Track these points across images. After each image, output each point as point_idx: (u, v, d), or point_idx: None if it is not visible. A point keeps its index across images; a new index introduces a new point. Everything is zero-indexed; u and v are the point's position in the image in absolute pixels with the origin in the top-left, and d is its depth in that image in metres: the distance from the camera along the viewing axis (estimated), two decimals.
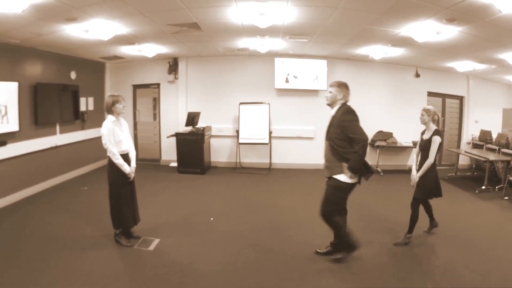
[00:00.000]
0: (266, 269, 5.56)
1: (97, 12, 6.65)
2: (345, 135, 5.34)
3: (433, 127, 6.36)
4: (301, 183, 10.76)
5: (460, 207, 8.85)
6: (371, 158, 12.71)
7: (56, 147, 10.55)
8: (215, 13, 7.07)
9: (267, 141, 12.49)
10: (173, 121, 13.25)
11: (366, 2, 6.20)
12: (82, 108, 11.81)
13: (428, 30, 7.30)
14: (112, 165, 6.10)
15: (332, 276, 5.38)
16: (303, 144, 12.88)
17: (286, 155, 13.07)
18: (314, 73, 12.46)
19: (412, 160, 11.30)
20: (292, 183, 11.04)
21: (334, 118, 5.55)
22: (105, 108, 6.24)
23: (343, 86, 5.55)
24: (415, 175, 6.39)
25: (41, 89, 9.63)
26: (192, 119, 11.98)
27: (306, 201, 8.84)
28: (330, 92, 5.58)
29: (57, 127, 10.65)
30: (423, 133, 6.62)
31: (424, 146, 6.38)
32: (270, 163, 13.05)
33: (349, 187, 5.51)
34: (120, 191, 6.21)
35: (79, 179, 11.36)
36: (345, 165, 5.35)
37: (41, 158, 9.87)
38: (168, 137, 12.55)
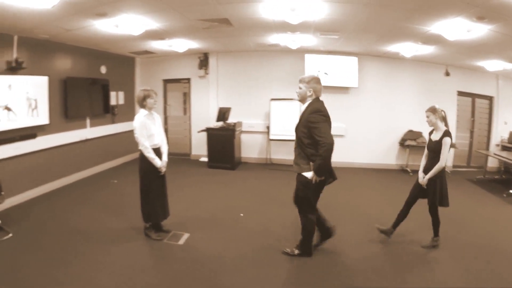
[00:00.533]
0: (295, 266, 5.54)
1: (127, 7, 6.57)
2: (311, 135, 5.19)
3: (443, 127, 5.97)
4: None
5: (487, 211, 8.49)
6: (401, 157, 12.55)
7: (86, 140, 10.57)
8: (246, 8, 6.91)
9: None
10: (203, 116, 13.24)
11: None
12: (113, 102, 11.85)
13: (458, 28, 7.06)
14: (143, 158, 6.10)
15: (360, 275, 5.34)
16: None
17: None
18: (344, 70, 12.19)
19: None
20: None
21: (302, 115, 5.41)
22: (136, 102, 6.18)
23: (312, 82, 5.43)
24: (422, 178, 6.08)
25: (71, 83, 9.69)
26: (223, 114, 11.87)
27: (335, 199, 8.51)
28: (300, 88, 5.50)
29: (87, 121, 10.68)
30: (431, 133, 6.23)
31: (434, 148, 5.98)
32: None
33: (316, 184, 5.37)
34: (151, 185, 6.21)
35: (108, 172, 11.40)
36: (312, 164, 5.24)
37: (71, 151, 9.93)
38: (199, 132, 12.44)
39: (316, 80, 5.48)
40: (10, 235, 6.41)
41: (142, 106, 6.16)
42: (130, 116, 12.48)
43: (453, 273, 5.43)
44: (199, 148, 13.48)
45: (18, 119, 8.06)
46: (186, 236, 6.50)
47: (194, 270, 5.34)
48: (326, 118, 5.25)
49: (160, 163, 6.15)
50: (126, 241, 6.28)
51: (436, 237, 6.31)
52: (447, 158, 5.87)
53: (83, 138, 10.44)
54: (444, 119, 6.02)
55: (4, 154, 7.87)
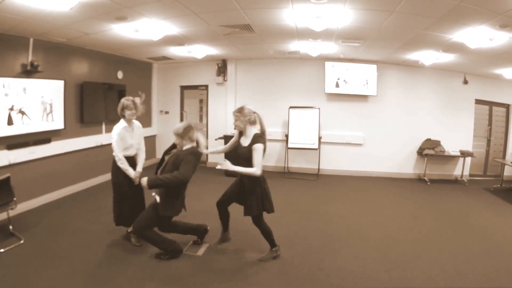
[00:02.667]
0: (318, 282, 5.28)
1: (148, 12, 6.39)
2: (178, 165, 5.40)
3: (252, 131, 5.52)
4: (351, 191, 10.39)
5: (504, 220, 8.27)
6: (419, 166, 12.29)
7: (102, 146, 10.37)
8: (269, 15, 6.69)
9: (316, 146, 11.92)
10: (221, 123, 12.97)
11: (423, 7, 5.80)
12: None
13: (481, 36, 6.93)
14: (116, 166, 6.14)
15: None
16: (352, 150, 12.44)
17: (334, 161, 12.60)
18: (364, 78, 11.95)
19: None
20: (341, 190, 10.53)
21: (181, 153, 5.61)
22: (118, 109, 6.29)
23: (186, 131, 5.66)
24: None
25: (87, 88, 9.53)
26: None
27: (356, 209, 8.57)
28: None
29: (103, 126, 10.49)
30: (240, 134, 5.75)
31: (244, 154, 5.44)
32: (319, 169, 12.55)
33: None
34: (122, 191, 6.23)
35: None
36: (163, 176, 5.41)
37: (86, 156, 9.75)
38: (216, 139, 12.16)
39: (190, 128, 5.68)
40: (22, 241, 6.25)
41: (121, 115, 6.23)
42: (147, 123, 12.61)
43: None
44: (215, 156, 12.91)
45: (32, 123, 7.97)
46: (205, 246, 6.32)
47: (215, 283, 5.17)
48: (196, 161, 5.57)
49: (133, 173, 6.16)
50: (144, 251, 6.06)
51: (275, 248, 5.94)
52: (261, 165, 5.33)
53: (99, 143, 10.27)
54: (255, 123, 5.60)
55: (18, 158, 7.72)
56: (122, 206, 6.27)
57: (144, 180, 5.31)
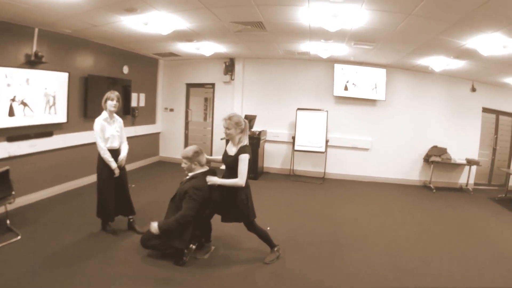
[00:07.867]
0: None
1: (159, 4, 6.26)
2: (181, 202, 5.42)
3: (242, 140, 5.48)
4: (356, 196, 10.24)
5: (509, 231, 8.12)
6: (425, 173, 12.09)
7: None
8: (284, 12, 6.56)
9: (323, 149, 11.72)
10: None
11: (440, 10, 5.69)
12: (133, 103, 11.54)
13: (494, 43, 6.82)
14: (101, 158, 6.26)
15: None
16: (358, 155, 12.21)
17: (340, 165, 12.38)
18: (373, 82, 11.73)
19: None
20: (347, 195, 10.38)
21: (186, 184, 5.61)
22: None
23: (195, 155, 5.77)
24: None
25: (92, 81, 9.33)
26: (248, 122, 11.29)
27: (362, 215, 8.45)
28: (185, 163, 5.79)
29: None
30: (228, 142, 5.81)
31: (230, 163, 5.47)
32: (325, 173, 12.32)
33: None
34: (105, 184, 6.33)
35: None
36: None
37: (88, 151, 9.22)
38: (222, 139, 11.89)
39: (199, 152, 5.75)
40: (19, 237, 6.07)
41: (104, 107, 6.37)
42: (150, 119, 12.33)
43: None
44: (220, 155, 12.74)
45: (34, 115, 7.81)
46: (211, 249, 6.13)
47: (222, 286, 5.01)
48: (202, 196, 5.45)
49: (115, 165, 6.27)
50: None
51: (273, 248, 5.87)
52: (245, 176, 5.33)
53: None
54: (244, 132, 5.57)
55: (18, 151, 7.55)
56: (103, 197, 6.34)
57: (155, 227, 5.29)
